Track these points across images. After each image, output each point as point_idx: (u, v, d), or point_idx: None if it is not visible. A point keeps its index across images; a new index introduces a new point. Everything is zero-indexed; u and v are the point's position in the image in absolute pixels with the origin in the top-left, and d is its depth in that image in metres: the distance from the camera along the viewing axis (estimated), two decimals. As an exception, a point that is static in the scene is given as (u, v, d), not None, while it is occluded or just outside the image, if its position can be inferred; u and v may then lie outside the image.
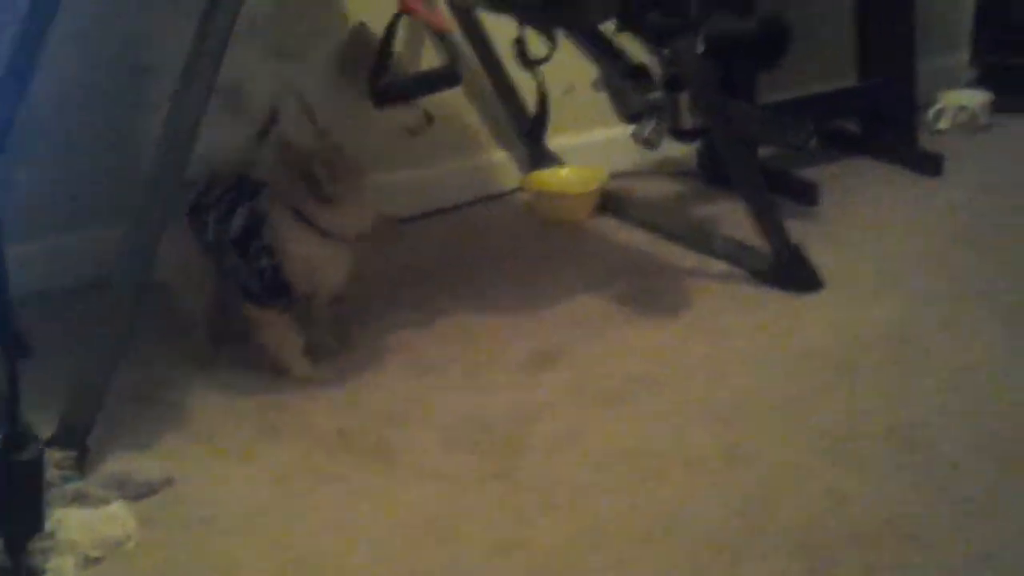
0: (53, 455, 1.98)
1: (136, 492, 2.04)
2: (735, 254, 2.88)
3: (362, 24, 2.45)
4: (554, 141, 3.28)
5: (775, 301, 2.71)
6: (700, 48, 2.66)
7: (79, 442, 2.09)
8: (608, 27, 2.70)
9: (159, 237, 2.19)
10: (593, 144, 3.42)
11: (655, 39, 2.68)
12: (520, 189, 3.31)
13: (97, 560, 1.88)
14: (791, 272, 2.74)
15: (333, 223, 2.36)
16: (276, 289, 2.37)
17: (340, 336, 2.56)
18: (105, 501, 1.96)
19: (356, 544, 1.96)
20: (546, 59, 2.69)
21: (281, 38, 2.83)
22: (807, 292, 2.73)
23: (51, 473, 1.92)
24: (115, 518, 1.93)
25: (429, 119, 2.50)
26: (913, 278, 2.80)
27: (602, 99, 3.00)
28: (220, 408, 2.35)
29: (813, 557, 1.88)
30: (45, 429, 2.10)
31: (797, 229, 2.83)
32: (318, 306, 2.50)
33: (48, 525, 1.81)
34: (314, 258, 2.38)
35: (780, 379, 2.40)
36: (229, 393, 2.40)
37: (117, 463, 2.12)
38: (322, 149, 2.35)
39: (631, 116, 2.90)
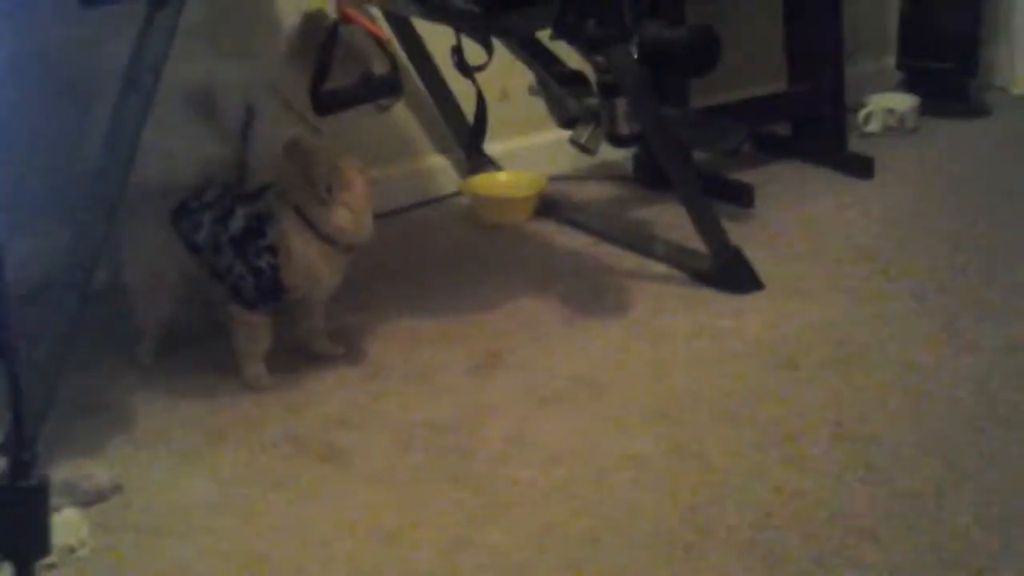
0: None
1: (86, 498, 2.03)
2: (675, 256, 2.91)
3: (318, 10, 2.46)
4: (490, 146, 3.30)
5: (716, 302, 2.73)
6: (634, 55, 2.68)
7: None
8: (543, 34, 2.71)
9: (103, 245, 2.18)
10: (529, 149, 3.44)
11: (590, 47, 2.70)
12: (458, 193, 3.33)
13: (51, 567, 1.87)
14: (731, 273, 2.77)
15: (331, 227, 2.37)
16: (269, 291, 2.37)
17: (334, 342, 2.56)
18: (56, 508, 1.94)
19: (308, 547, 1.96)
20: (484, 66, 2.70)
21: (238, 39, 2.84)
22: (747, 292, 2.76)
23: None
24: (67, 525, 1.92)
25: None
26: (849, 278, 2.84)
27: (537, 104, 3.03)
28: (167, 414, 2.35)
29: (763, 554, 1.90)
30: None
31: (735, 231, 2.86)
32: (311, 309, 2.49)
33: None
34: (313, 260, 2.38)
35: (724, 378, 2.43)
36: (175, 398, 2.39)
37: (65, 470, 2.11)
38: (323, 149, 2.35)
39: (568, 122, 2.92)
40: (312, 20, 2.47)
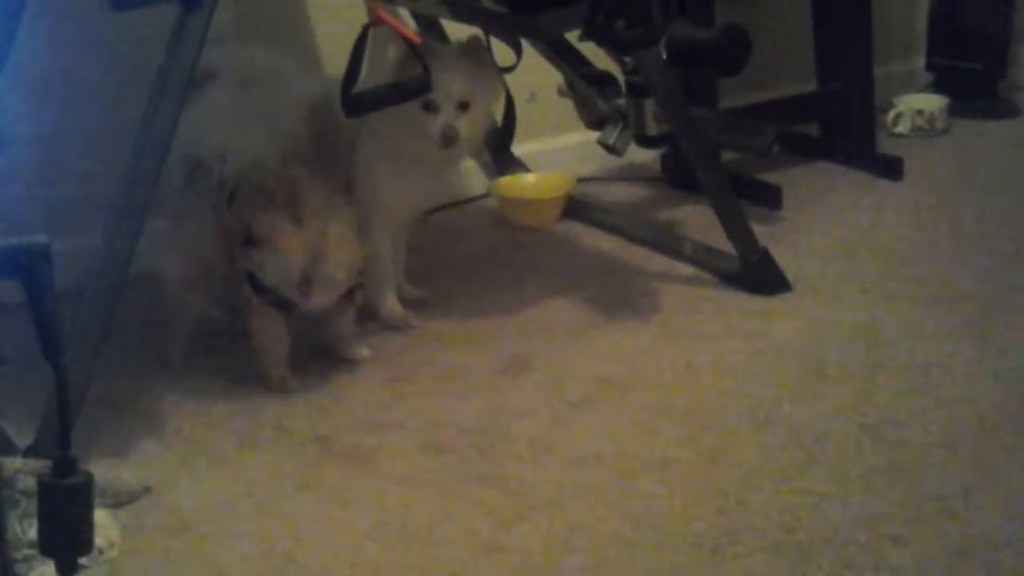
0: (33, 465, 1.98)
1: (116, 500, 2.04)
2: (703, 258, 2.91)
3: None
4: (518, 148, 3.30)
5: (744, 303, 2.73)
6: (663, 56, 2.68)
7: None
8: (572, 34, 2.72)
9: (135, 246, 2.19)
10: (557, 150, 3.44)
11: (619, 48, 2.70)
12: (486, 195, 3.33)
13: (81, 568, 1.88)
14: (759, 275, 2.77)
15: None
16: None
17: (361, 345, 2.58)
18: (88, 509, 1.96)
19: (336, 549, 1.97)
20: (513, 67, 2.71)
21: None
22: (775, 294, 2.75)
23: (31, 482, 1.92)
24: (98, 526, 1.92)
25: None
26: (877, 279, 2.83)
27: (565, 105, 3.03)
28: (196, 415, 2.36)
29: (791, 556, 1.90)
30: (23, 439, 2.13)
31: (763, 232, 2.86)
32: (336, 311, 2.49)
33: (30, 534, 1.81)
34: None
35: (751, 380, 2.42)
36: (204, 400, 2.40)
37: (96, 471, 2.10)
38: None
39: (596, 123, 2.93)
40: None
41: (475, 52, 2.56)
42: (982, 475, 2.08)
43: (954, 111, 3.82)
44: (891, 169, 3.43)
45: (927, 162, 3.53)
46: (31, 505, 1.85)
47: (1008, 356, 2.47)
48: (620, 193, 3.42)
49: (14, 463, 1.96)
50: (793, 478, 2.09)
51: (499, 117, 2.93)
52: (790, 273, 2.78)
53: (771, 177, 3.35)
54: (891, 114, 3.77)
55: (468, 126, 2.52)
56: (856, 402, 2.32)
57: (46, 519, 1.37)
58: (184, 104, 2.20)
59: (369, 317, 2.65)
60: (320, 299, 2.39)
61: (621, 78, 2.80)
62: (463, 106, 2.51)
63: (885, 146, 3.59)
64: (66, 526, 1.39)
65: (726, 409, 2.33)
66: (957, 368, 2.43)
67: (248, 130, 2.42)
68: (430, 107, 2.49)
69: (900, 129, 3.76)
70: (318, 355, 2.54)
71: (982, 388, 2.36)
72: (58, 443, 1.38)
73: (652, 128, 2.79)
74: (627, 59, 2.73)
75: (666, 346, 2.57)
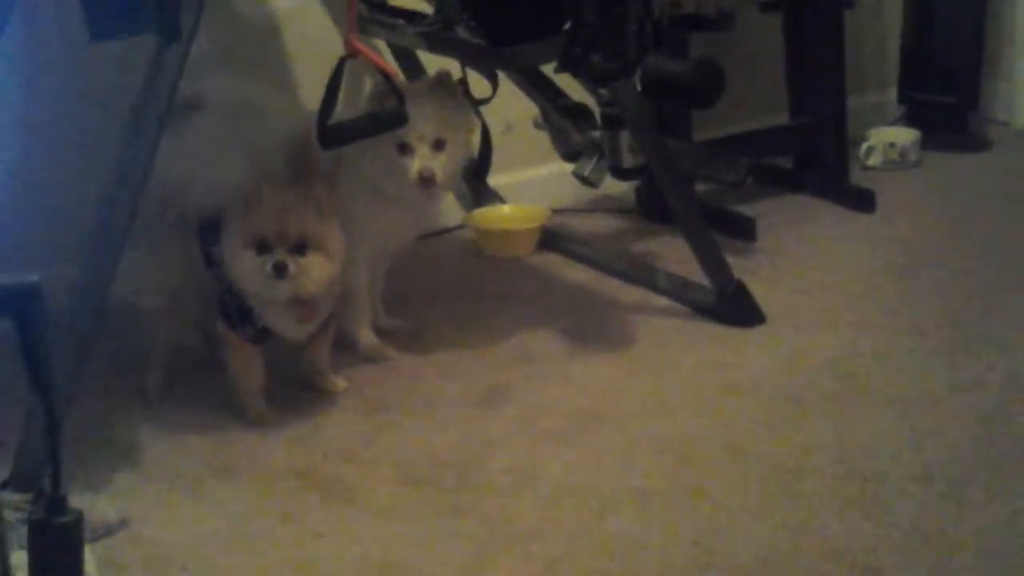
0: (9, 499, 1.98)
1: (93, 533, 2.03)
2: (678, 290, 2.92)
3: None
4: (494, 179, 3.31)
5: (718, 336, 2.74)
6: (638, 88, 2.70)
7: (34, 484, 2.08)
8: (547, 66, 2.73)
9: (111, 277, 2.19)
10: (533, 181, 3.46)
11: (595, 80, 2.71)
12: (462, 226, 3.34)
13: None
14: (734, 307, 2.78)
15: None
16: (244, 314, 2.39)
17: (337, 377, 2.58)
18: (63, 543, 1.95)
19: (315, 582, 1.97)
20: (489, 99, 2.72)
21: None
22: (750, 326, 2.77)
23: (8, 515, 1.92)
24: (75, 560, 1.92)
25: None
26: (851, 311, 2.84)
27: (541, 137, 3.04)
28: (173, 447, 2.36)
29: (768, 588, 1.91)
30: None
31: (737, 264, 2.88)
32: (312, 344, 2.50)
33: (6, 569, 1.80)
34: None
35: (727, 413, 2.43)
36: (181, 431, 2.40)
37: (72, 504, 2.11)
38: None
39: (571, 154, 2.94)
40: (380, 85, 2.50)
41: (445, 88, 2.57)
42: (958, 508, 2.09)
43: (926, 144, 3.84)
44: (863, 201, 3.46)
45: (899, 195, 3.55)
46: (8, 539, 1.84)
47: (983, 388, 2.48)
48: (595, 225, 3.44)
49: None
50: (769, 511, 2.10)
51: (475, 148, 2.94)
52: (765, 305, 2.80)
53: (745, 209, 3.36)
54: (863, 147, 3.79)
55: (445, 165, 2.52)
56: (832, 434, 2.33)
57: (38, 557, 1.37)
58: (162, 135, 2.21)
59: (346, 348, 2.65)
60: (312, 323, 2.40)
61: (596, 110, 2.82)
62: (438, 144, 2.51)
63: (857, 179, 3.61)
64: (57, 564, 1.38)
65: (702, 441, 2.33)
66: (931, 400, 2.45)
67: (225, 161, 2.42)
68: (405, 149, 2.49)
69: (872, 162, 3.78)
70: (295, 387, 2.54)
71: (956, 421, 2.37)
72: (50, 482, 1.38)
73: (627, 160, 2.80)
74: (602, 91, 2.75)
75: (642, 378, 2.58)
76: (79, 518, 1.40)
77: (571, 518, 2.11)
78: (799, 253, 3.19)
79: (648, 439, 2.35)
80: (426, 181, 2.49)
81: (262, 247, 2.28)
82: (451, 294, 3.03)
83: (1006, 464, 2.22)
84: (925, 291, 2.95)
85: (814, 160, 3.62)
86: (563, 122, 2.92)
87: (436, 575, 1.98)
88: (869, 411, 2.41)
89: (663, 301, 2.92)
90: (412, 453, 2.33)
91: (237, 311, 2.39)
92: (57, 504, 1.38)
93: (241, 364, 2.44)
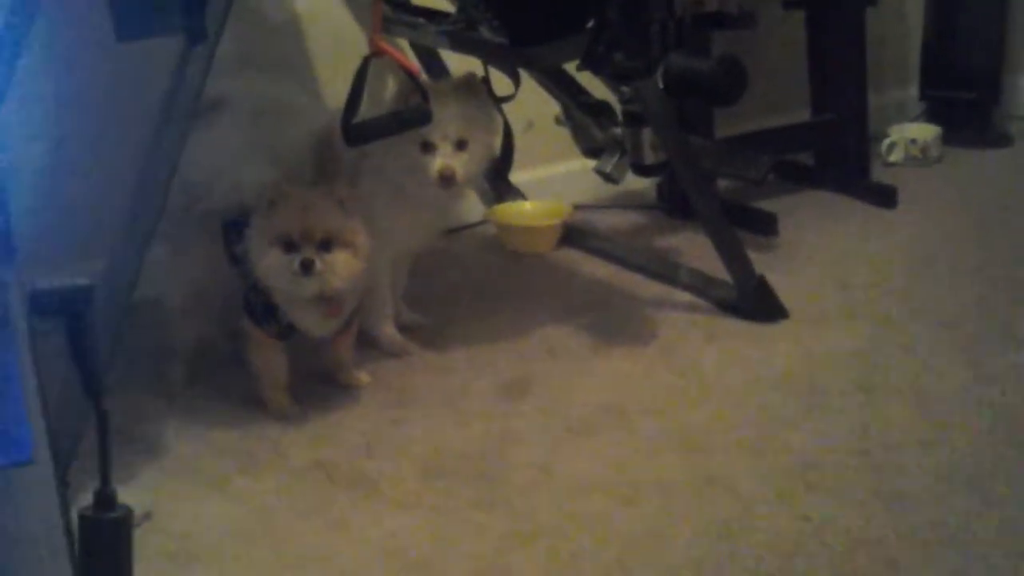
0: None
1: (119, 526, 2.05)
2: (700, 285, 2.93)
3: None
4: (515, 175, 3.32)
5: (740, 331, 2.75)
6: (660, 85, 2.71)
7: (60, 477, 2.10)
8: (569, 64, 2.74)
9: (137, 273, 2.21)
10: (554, 178, 3.46)
11: (618, 77, 2.72)
12: (484, 222, 3.35)
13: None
14: (755, 302, 2.79)
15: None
16: (269, 310, 2.40)
17: (360, 371, 2.60)
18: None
19: (338, 575, 1.98)
20: (511, 97, 2.73)
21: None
22: (771, 321, 2.77)
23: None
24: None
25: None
26: (872, 306, 2.85)
27: (562, 134, 3.05)
28: (197, 440, 2.37)
29: (790, 581, 1.92)
30: (26, 464, 2.14)
31: (759, 260, 2.89)
32: (335, 338, 2.51)
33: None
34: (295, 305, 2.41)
35: (749, 407, 2.44)
36: (205, 425, 2.42)
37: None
38: None
39: (593, 151, 2.94)
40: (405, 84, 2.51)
41: (471, 89, 2.57)
42: (979, 502, 2.09)
43: (947, 140, 3.85)
44: (885, 198, 3.46)
45: (921, 191, 3.56)
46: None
47: (1004, 381, 2.48)
48: (616, 221, 3.45)
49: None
50: (792, 504, 2.11)
51: (497, 150, 2.94)
52: (786, 300, 2.80)
53: (766, 205, 3.37)
54: (885, 143, 3.80)
55: (466, 164, 2.53)
56: (854, 428, 2.34)
57: (87, 554, 1.38)
58: (188, 134, 2.22)
59: (368, 344, 2.66)
60: (337, 319, 2.41)
61: (618, 107, 2.82)
62: (461, 144, 2.52)
63: (879, 175, 3.62)
64: (106, 561, 1.40)
65: (724, 435, 2.34)
66: (953, 394, 2.45)
67: (250, 161, 2.44)
68: (428, 148, 2.50)
69: (894, 158, 3.78)
70: (318, 381, 2.56)
71: (979, 414, 2.37)
72: (100, 478, 1.40)
73: (648, 156, 2.81)
74: (624, 88, 2.76)
75: (663, 373, 2.59)
76: (128, 514, 1.41)
77: (594, 511, 2.12)
78: (821, 248, 3.20)
79: (671, 433, 2.36)
80: (446, 180, 2.50)
81: (288, 245, 2.30)
82: (473, 290, 3.04)
83: (1028, 458, 2.23)
84: (947, 286, 2.95)
85: (836, 157, 3.62)
86: (585, 119, 2.93)
87: (460, 568, 1.99)
88: (891, 405, 2.42)
89: (685, 296, 2.92)
90: (435, 447, 2.34)
91: (262, 308, 2.40)
92: (107, 500, 1.39)
93: (265, 360, 2.46)
